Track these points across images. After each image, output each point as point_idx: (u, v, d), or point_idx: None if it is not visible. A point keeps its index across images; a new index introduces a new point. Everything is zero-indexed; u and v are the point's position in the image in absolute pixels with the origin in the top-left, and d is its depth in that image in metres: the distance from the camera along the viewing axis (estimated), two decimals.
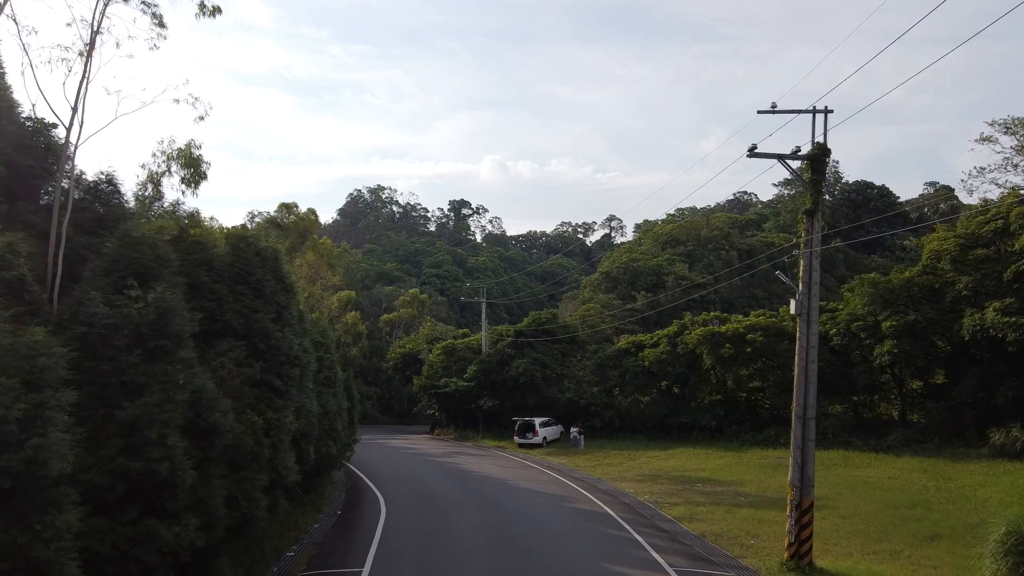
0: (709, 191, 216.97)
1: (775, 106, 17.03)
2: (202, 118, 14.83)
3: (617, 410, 48.01)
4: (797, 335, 17.08)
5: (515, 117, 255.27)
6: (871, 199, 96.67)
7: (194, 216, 19.98)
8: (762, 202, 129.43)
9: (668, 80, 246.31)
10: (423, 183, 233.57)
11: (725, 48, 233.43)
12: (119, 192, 13.82)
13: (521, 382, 49.86)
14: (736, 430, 42.32)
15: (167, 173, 19.51)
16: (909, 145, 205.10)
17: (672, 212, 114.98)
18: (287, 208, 48.21)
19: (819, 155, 16.93)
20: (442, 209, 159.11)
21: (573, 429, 44.85)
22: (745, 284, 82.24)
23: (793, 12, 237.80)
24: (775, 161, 17.38)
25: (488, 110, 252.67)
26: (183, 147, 20.40)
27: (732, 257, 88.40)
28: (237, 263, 15.59)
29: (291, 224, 46.60)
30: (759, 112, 17.13)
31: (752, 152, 17.05)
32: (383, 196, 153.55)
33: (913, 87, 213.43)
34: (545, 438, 45.72)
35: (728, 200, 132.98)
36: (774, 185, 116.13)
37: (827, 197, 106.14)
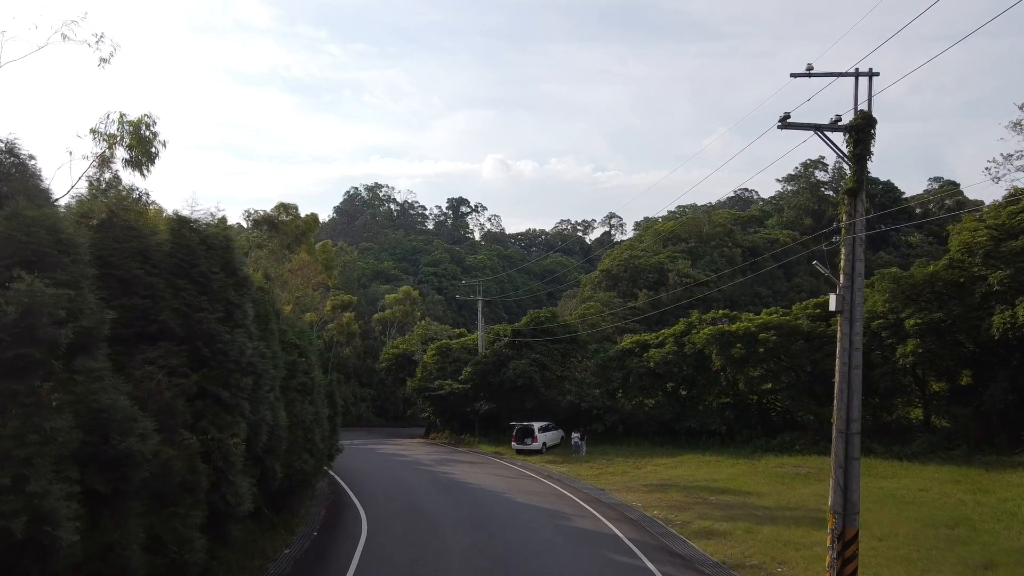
0: (709, 188, 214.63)
1: (811, 68, 14.61)
2: (105, 60, 12.34)
3: (620, 414, 45.42)
4: (838, 335, 14.73)
5: (515, 116, 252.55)
6: (875, 195, 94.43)
7: (139, 200, 17.41)
8: (763, 199, 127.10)
9: (667, 78, 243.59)
10: (424, 182, 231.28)
11: (724, 46, 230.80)
12: (24, 164, 11.35)
13: (519, 384, 47.16)
14: (747, 435, 39.94)
15: (109, 152, 16.89)
16: (910, 143, 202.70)
17: (673, 209, 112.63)
18: (285, 208, 46.22)
19: (863, 125, 14.47)
20: (440, 207, 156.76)
21: (574, 434, 42.28)
22: (749, 282, 79.83)
23: (792, 10, 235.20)
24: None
25: (488, 109, 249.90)
26: (134, 121, 17.79)
27: (735, 254, 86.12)
28: (177, 252, 13.12)
29: (288, 224, 44.70)
30: (792, 75, 14.66)
31: (784, 122, 14.64)
32: (380, 194, 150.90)
33: (913, 86, 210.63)
34: (545, 444, 43.12)
35: (729, 197, 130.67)
36: (777, 181, 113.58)
37: (830, 193, 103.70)
